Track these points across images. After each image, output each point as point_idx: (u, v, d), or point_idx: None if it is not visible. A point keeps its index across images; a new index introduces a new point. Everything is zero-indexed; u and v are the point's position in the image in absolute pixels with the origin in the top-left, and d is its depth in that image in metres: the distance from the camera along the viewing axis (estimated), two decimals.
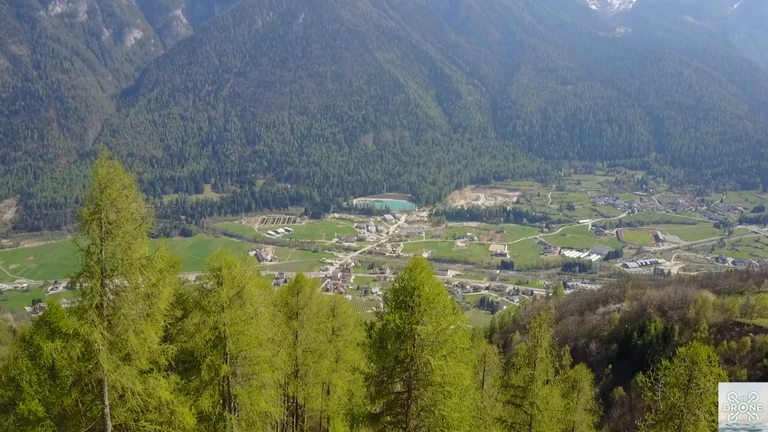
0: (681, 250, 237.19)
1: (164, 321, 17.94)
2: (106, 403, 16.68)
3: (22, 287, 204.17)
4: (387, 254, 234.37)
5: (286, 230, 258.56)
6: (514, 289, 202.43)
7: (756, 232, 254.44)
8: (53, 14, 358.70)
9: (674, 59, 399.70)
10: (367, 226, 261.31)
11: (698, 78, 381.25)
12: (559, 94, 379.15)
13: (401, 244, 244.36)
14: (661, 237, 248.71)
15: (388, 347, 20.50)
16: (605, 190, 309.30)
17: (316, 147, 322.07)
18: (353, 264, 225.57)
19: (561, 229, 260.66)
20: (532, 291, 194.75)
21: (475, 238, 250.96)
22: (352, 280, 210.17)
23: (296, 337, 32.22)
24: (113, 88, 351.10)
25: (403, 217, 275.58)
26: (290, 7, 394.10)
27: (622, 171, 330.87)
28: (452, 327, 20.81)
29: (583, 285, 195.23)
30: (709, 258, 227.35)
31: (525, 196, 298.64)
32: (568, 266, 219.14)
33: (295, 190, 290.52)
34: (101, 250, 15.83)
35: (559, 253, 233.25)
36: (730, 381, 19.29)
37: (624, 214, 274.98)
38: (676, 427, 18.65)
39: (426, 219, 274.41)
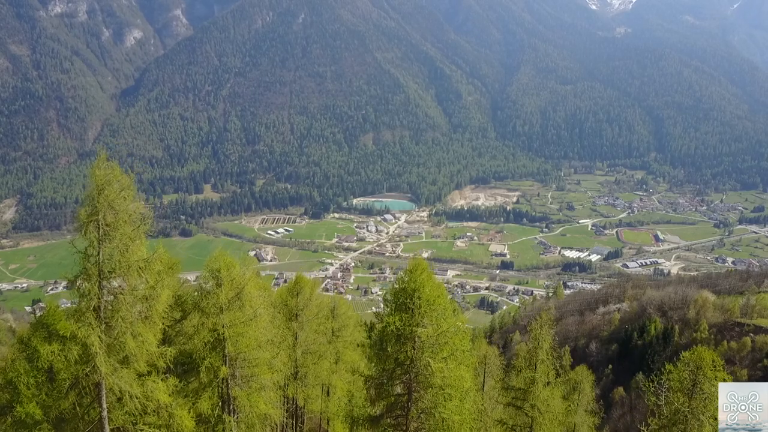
0: (681, 250, 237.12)
1: (163, 323, 17.82)
2: (104, 406, 16.56)
3: (22, 287, 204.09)
4: (387, 254, 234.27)
5: (286, 230, 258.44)
6: (514, 289, 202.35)
7: (756, 232, 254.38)
8: (53, 14, 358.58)
9: (674, 59, 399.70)
10: (367, 226, 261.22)
11: (698, 78, 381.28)
12: (559, 94, 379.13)
13: (401, 244, 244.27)
14: (661, 237, 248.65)
15: (388, 349, 20.38)
16: (605, 190, 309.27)
17: (316, 147, 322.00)
18: (353, 264, 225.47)
19: (561, 229, 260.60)
20: (532, 291, 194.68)
21: (475, 238, 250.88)
22: (352, 280, 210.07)
23: (296, 338, 32.09)
24: (113, 88, 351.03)
25: (403, 217, 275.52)
26: (290, 7, 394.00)
27: (622, 171, 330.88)
28: (453, 329, 20.67)
29: (583, 285, 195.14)
30: (709, 258, 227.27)
31: (525, 196, 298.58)
32: (568, 266, 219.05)
33: (295, 190, 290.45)
34: (99, 252, 15.70)
35: (559, 253, 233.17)
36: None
37: (624, 214, 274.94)
38: None
39: (426, 219, 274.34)
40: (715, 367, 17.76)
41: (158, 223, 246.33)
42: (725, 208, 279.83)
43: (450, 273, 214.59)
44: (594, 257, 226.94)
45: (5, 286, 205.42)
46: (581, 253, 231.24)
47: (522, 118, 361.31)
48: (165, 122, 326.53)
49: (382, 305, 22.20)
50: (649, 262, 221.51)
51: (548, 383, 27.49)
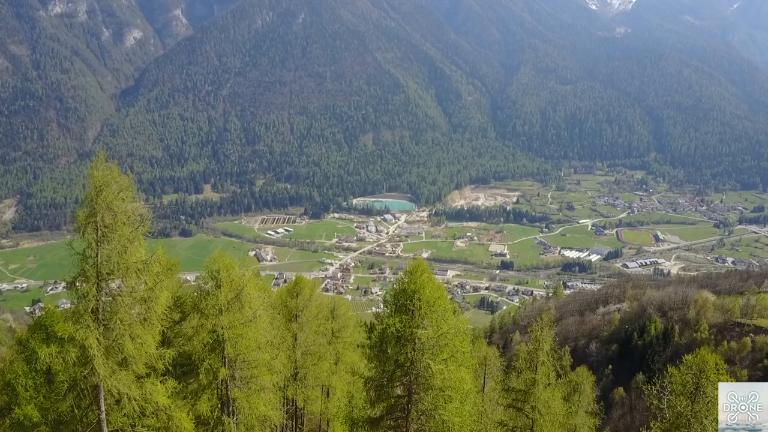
0: (681, 250, 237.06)
1: (162, 325, 17.73)
2: (102, 408, 16.46)
3: (22, 287, 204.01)
4: (387, 254, 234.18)
5: (286, 230, 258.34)
6: (513, 289, 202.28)
7: (756, 232, 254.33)
8: (53, 14, 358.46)
9: (674, 59, 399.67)
10: (367, 227, 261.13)
11: (698, 78, 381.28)
12: (558, 94, 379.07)
13: (401, 244, 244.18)
14: (661, 237, 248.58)
15: (388, 351, 20.30)
16: (605, 190, 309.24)
17: (315, 147, 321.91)
18: (353, 264, 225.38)
19: (561, 229, 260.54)
20: (532, 291, 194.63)
21: (475, 238, 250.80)
22: (351, 281, 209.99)
23: (295, 339, 32.01)
24: (113, 88, 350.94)
25: (403, 217, 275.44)
26: (290, 7, 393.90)
27: (622, 171, 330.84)
28: (453, 331, 20.59)
29: (583, 285, 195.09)
30: (709, 258, 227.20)
31: (525, 196, 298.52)
32: (568, 266, 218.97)
33: (294, 190, 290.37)
34: (97, 254, 15.61)
35: (559, 253, 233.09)
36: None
37: (624, 214, 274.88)
38: None
39: (426, 219, 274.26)
40: (718, 370, 17.66)
41: (158, 223, 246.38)
42: (725, 208, 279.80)
43: (450, 273, 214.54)
44: (594, 257, 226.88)
45: (5, 286, 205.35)
46: (581, 253, 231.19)
47: (522, 118, 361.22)
48: (165, 122, 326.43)
49: (381, 305, 22.10)
50: (649, 262, 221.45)
51: (549, 385, 27.40)
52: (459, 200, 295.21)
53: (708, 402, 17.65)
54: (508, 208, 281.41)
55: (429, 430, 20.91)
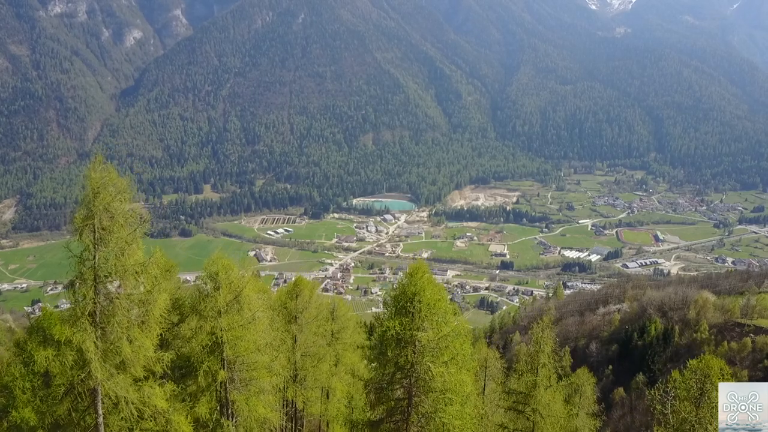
0: (681, 250, 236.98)
1: (160, 327, 17.59)
2: (100, 412, 16.33)
3: (22, 287, 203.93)
4: (387, 254, 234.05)
5: (286, 230, 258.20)
6: (513, 289, 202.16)
7: (756, 232, 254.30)
8: (53, 14, 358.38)
9: (674, 59, 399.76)
10: (367, 227, 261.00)
11: (698, 78, 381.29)
12: (558, 94, 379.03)
13: (401, 244, 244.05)
14: (660, 237, 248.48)
15: (389, 354, 20.17)
16: (605, 190, 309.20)
17: (315, 147, 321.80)
18: (353, 264, 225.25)
19: (561, 229, 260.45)
20: (532, 291, 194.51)
21: (475, 238, 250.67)
22: (351, 281, 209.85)
23: (295, 341, 31.86)
24: (113, 88, 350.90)
25: (403, 218, 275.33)
26: (290, 7, 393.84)
27: (622, 171, 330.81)
28: (453, 333, 20.45)
29: (583, 285, 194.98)
30: (708, 258, 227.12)
31: (525, 196, 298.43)
32: (568, 266, 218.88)
33: (294, 190, 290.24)
34: (94, 257, 15.48)
35: (559, 253, 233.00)
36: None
37: (624, 214, 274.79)
38: None
39: (426, 219, 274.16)
40: (723, 375, 17.51)
41: (158, 224, 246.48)
42: (725, 208, 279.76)
43: (450, 273, 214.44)
44: (594, 257, 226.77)
45: (5, 286, 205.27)
46: (581, 253, 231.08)
47: (522, 118, 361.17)
48: (165, 122, 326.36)
49: (381, 306, 21.96)
50: (648, 262, 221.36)
51: (549, 387, 27.25)
52: (459, 200, 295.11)
53: (712, 408, 17.48)
54: (508, 208, 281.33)
55: None
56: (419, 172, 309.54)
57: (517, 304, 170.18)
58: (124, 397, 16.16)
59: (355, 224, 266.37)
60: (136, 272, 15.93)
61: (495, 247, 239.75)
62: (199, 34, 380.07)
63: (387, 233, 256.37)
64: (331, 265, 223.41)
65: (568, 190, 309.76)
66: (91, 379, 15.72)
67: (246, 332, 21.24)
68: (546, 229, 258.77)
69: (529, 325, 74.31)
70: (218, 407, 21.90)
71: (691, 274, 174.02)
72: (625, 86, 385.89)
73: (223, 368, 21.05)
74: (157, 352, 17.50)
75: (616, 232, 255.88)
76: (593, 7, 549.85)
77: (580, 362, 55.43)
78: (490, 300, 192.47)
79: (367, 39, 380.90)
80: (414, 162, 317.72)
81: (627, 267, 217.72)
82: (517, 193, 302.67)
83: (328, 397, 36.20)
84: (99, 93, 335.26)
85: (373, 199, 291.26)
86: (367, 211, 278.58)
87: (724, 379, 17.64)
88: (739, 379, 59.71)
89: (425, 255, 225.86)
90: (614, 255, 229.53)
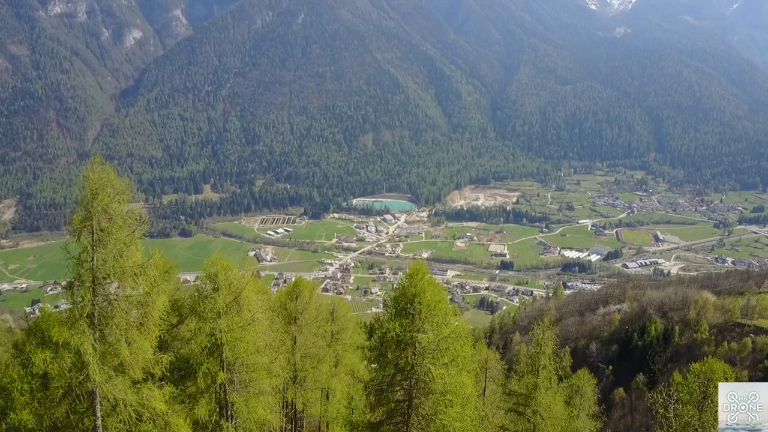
0: (681, 250, 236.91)
1: (159, 329, 17.50)
2: (98, 414, 16.24)
3: (22, 288, 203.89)
4: (387, 254, 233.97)
5: (286, 230, 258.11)
6: (513, 289, 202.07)
7: (756, 232, 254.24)
8: (52, 14, 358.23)
9: (674, 59, 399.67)
10: (367, 227, 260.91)
11: (698, 78, 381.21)
12: (558, 94, 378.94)
13: (401, 244, 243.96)
14: (660, 237, 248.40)
15: (388, 355, 20.07)
16: (605, 190, 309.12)
17: (315, 147, 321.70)
18: (353, 264, 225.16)
19: (561, 229, 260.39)
20: (532, 291, 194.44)
21: (475, 238, 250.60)
22: (351, 281, 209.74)
23: (295, 342, 31.78)
24: (113, 88, 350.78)
25: (403, 218, 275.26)
26: (290, 7, 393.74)
27: (622, 171, 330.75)
28: (454, 334, 20.36)
29: (583, 285, 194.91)
30: (708, 258, 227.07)
31: (525, 196, 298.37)
32: (568, 266, 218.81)
33: (294, 191, 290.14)
34: (93, 258, 15.38)
35: (559, 253, 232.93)
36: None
37: (624, 215, 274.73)
38: None
39: (426, 219, 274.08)
40: (726, 378, 17.39)
41: (158, 224, 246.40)
42: (725, 208, 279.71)
43: (450, 273, 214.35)
44: (594, 257, 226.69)
45: (5, 286, 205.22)
46: (581, 254, 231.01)
47: (522, 118, 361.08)
48: (165, 122, 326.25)
49: (381, 306, 21.88)
50: (648, 263, 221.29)
51: (550, 388, 27.16)
52: (459, 200, 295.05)
53: (715, 411, 17.36)
54: (507, 208, 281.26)
55: None
56: (419, 172, 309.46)
57: (517, 305, 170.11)
58: (123, 400, 16.07)
59: (355, 224, 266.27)
60: (134, 274, 15.83)
61: (495, 247, 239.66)
62: (199, 34, 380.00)
63: (387, 233, 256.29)
64: (331, 265, 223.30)
65: (568, 190, 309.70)
66: (90, 381, 15.63)
67: (245, 333, 21.15)
68: (546, 229, 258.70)
69: (529, 326, 74.32)
70: (217, 409, 21.81)
71: (691, 274, 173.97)
72: (625, 86, 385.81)
73: (223, 370, 20.97)
74: (156, 353, 17.41)
75: (616, 232, 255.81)
76: (593, 7, 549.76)
77: (580, 363, 55.38)
78: (490, 300, 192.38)
79: (367, 39, 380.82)
80: (414, 162, 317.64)
81: (627, 267, 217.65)
82: (517, 193, 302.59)
83: (328, 399, 36.11)
84: (99, 93, 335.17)
85: (373, 199, 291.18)
86: (367, 211, 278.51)
87: (727, 383, 17.53)
88: (739, 380, 59.72)
89: (425, 255, 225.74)
90: (614, 255, 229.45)
